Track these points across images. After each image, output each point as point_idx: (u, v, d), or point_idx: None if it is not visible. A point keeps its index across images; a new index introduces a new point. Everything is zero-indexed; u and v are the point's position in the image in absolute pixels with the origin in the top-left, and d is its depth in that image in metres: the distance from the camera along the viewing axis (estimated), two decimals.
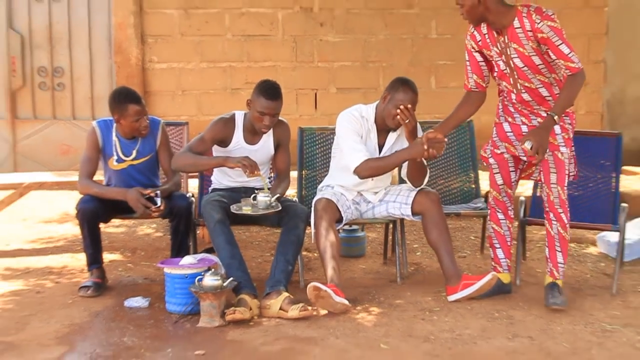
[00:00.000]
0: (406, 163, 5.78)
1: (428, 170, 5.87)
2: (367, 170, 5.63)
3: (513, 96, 5.44)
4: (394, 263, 6.17)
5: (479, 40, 5.41)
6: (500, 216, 5.65)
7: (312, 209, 5.67)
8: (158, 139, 6.03)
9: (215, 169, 6.04)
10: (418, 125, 5.74)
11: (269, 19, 10.28)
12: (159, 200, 5.74)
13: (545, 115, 5.28)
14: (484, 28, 5.36)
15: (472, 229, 7.57)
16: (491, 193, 5.71)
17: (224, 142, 5.87)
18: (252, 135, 5.89)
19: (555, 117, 5.15)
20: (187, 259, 5.48)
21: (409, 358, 4.60)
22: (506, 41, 5.23)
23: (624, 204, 6.02)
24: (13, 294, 5.81)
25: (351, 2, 10.30)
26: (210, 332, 5.01)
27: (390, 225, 6.32)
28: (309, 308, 5.20)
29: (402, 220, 6.02)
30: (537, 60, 5.21)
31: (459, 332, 4.98)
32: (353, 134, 5.70)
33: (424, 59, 10.39)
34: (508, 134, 5.55)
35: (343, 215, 5.71)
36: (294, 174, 6.34)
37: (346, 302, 5.29)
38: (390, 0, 10.34)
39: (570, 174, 5.54)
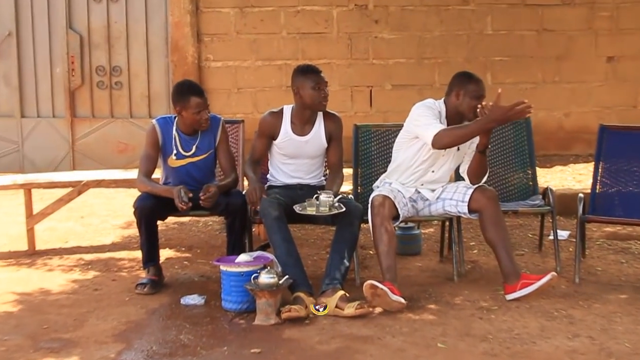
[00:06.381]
0: (467, 159, 5.73)
1: (488, 170, 5.82)
2: (445, 138, 5.50)
3: None
4: (451, 261, 6.12)
5: None
6: None
7: (369, 205, 5.61)
8: (218, 136, 6.02)
9: (270, 166, 6.08)
10: None
11: (323, 16, 10.24)
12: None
13: None
14: None
15: (530, 226, 7.46)
16: None
17: (273, 136, 5.87)
18: (303, 125, 5.90)
19: None
20: (243, 257, 5.46)
21: (466, 358, 4.54)
22: None
23: None
24: (71, 292, 5.84)
25: None
26: (266, 330, 4.98)
27: (447, 223, 6.25)
28: (365, 306, 5.16)
29: (458, 217, 5.94)
30: None
31: (517, 331, 4.91)
32: (431, 114, 5.64)
33: (479, 55, 10.29)
34: None
35: (400, 212, 5.64)
36: (349, 171, 6.31)
37: (402, 300, 5.24)
38: None
39: None
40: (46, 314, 5.34)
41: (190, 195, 5.64)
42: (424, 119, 5.63)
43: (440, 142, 5.52)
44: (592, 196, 6.13)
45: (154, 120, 6.04)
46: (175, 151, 5.94)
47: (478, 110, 5.46)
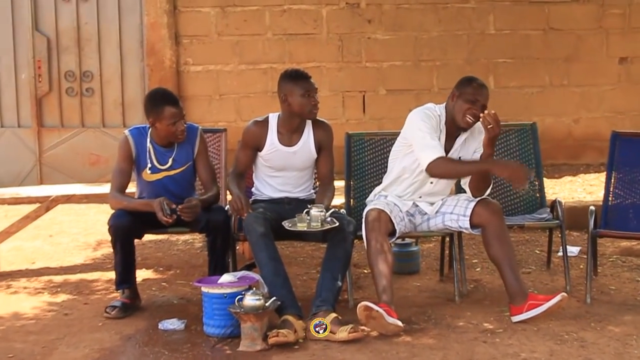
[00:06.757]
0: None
1: (492, 182, 5.83)
2: (441, 169, 5.56)
3: None
4: (452, 280, 6.11)
5: None
6: None
7: (363, 220, 5.62)
8: (196, 147, 6.01)
9: (254, 179, 6.09)
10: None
11: (312, 16, 10.27)
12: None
13: None
14: None
15: (537, 242, 7.47)
16: None
17: (258, 147, 5.88)
18: (290, 135, 5.90)
19: None
20: (226, 277, 5.45)
21: None
22: None
23: None
24: (39, 316, 5.83)
25: None
26: (251, 357, 4.97)
27: (447, 239, 6.25)
28: (359, 329, 5.16)
29: (459, 233, 5.96)
30: None
31: (524, 356, 4.90)
32: (429, 129, 5.64)
33: (481, 57, 10.33)
34: None
35: (396, 227, 5.65)
36: (341, 184, 6.31)
37: (399, 323, 5.24)
38: None
39: None
40: (11, 341, 5.31)
41: (174, 206, 5.63)
42: (421, 135, 5.63)
43: (435, 171, 5.60)
44: (604, 209, 6.14)
45: (126, 131, 6.01)
46: (149, 165, 5.92)
47: (480, 118, 5.48)
